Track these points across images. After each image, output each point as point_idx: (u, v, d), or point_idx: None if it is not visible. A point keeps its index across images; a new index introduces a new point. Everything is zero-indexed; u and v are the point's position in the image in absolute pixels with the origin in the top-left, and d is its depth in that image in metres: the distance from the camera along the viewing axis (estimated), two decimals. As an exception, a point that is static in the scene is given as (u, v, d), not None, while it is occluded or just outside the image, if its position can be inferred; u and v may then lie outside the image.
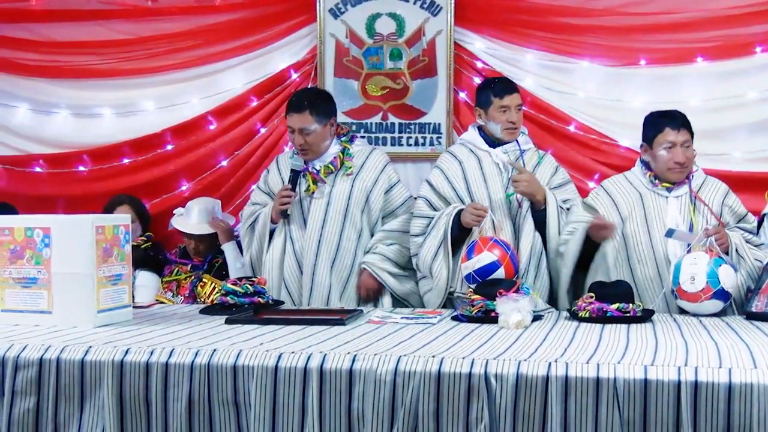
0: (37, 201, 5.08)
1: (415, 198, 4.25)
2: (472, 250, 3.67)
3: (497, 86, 4.10)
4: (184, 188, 5.11)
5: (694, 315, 3.43)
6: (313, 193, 4.11)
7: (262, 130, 5.04)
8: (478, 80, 4.83)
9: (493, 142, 4.12)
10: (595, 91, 4.79)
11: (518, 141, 4.13)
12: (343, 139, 4.22)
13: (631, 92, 4.75)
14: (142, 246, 4.73)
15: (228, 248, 4.56)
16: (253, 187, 4.51)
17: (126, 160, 5.16)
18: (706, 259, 3.45)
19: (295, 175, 4.10)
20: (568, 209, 4.02)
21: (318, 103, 4.11)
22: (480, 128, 4.18)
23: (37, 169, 5.23)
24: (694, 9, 4.68)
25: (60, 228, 3.21)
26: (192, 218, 4.62)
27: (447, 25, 4.84)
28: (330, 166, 4.14)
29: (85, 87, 5.20)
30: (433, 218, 4.01)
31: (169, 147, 5.13)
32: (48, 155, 5.23)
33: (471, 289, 3.44)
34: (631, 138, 4.61)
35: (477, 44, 4.87)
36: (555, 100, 4.77)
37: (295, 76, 5.01)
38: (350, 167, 4.15)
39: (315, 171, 4.12)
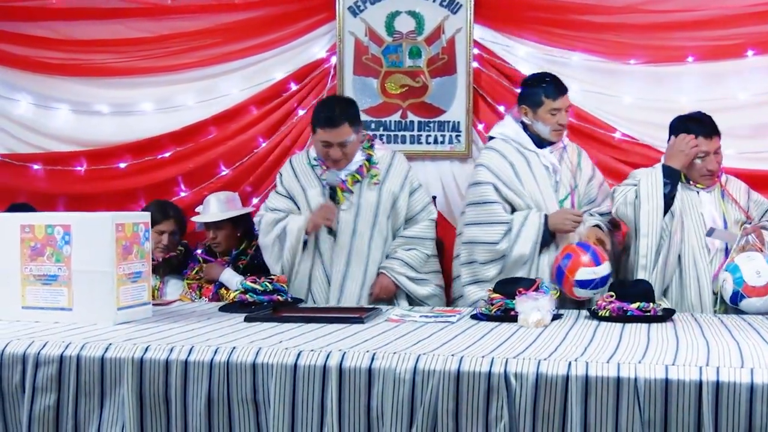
0: (77, 200, 5.12)
1: (474, 204, 4.06)
2: (596, 256, 3.65)
3: (550, 88, 4.01)
4: (223, 173, 5.13)
5: (759, 313, 3.44)
6: (340, 202, 4.05)
7: (300, 112, 5.04)
8: (497, 78, 4.83)
9: (540, 140, 4.05)
10: (610, 88, 4.75)
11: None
12: (365, 146, 4.16)
13: (632, 87, 4.74)
14: (180, 256, 4.74)
15: (225, 276, 4.53)
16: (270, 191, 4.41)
17: (166, 154, 5.17)
18: (760, 255, 3.53)
19: (333, 190, 4.04)
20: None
21: (351, 112, 4.04)
22: (524, 125, 4.09)
23: (78, 168, 5.25)
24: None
25: (80, 225, 3.23)
26: (209, 209, 4.61)
27: (466, 23, 4.83)
28: (356, 175, 4.07)
29: (118, 85, 5.22)
30: (509, 222, 3.92)
31: (210, 136, 5.17)
32: (87, 152, 5.26)
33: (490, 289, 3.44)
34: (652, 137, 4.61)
35: (496, 42, 4.85)
36: (578, 99, 4.74)
37: (313, 75, 5.01)
38: (376, 175, 4.10)
39: (342, 181, 4.05)
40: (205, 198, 4.70)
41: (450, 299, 4.22)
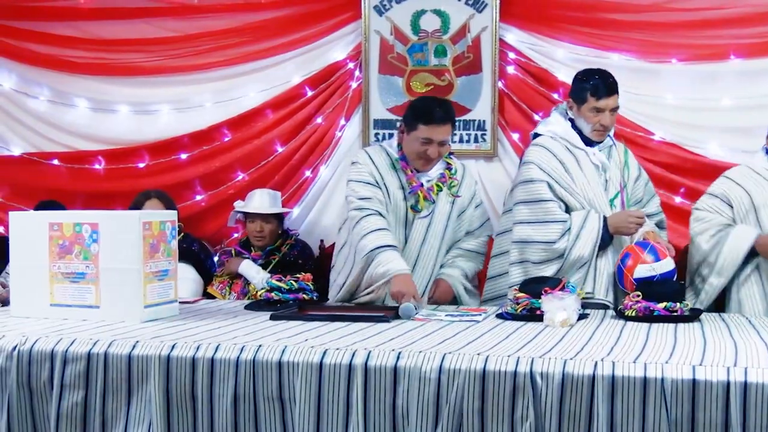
0: (96, 198, 5.15)
1: (526, 202, 3.92)
2: (655, 253, 3.60)
3: (596, 86, 3.86)
4: (239, 178, 5.13)
5: None
6: (420, 210, 3.97)
7: (318, 120, 5.05)
8: (523, 76, 4.82)
9: (586, 138, 3.95)
10: (647, 89, 4.72)
11: (610, 135, 4.01)
12: (446, 156, 4.06)
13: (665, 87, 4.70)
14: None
15: (243, 267, 4.57)
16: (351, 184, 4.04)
17: (183, 155, 5.19)
18: None
19: (415, 200, 3.96)
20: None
21: (453, 114, 3.96)
22: (572, 121, 3.98)
23: (96, 166, 5.28)
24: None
25: (108, 224, 3.26)
26: (255, 201, 4.65)
27: (492, 22, 4.81)
28: (439, 184, 4.00)
29: (138, 84, 5.24)
30: (566, 221, 3.82)
31: (226, 139, 5.17)
32: (106, 151, 5.28)
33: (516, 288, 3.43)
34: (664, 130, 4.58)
35: (522, 40, 4.84)
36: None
37: (339, 73, 5.02)
38: (455, 186, 4.03)
39: (427, 188, 3.96)
40: (248, 193, 4.76)
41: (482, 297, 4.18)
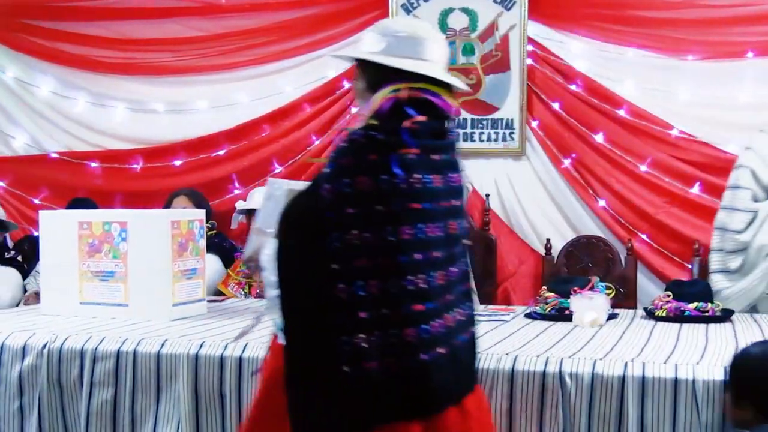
0: (133, 197, 5.17)
1: (729, 187, 3.96)
2: None
3: None
4: (276, 172, 5.11)
5: None
6: None
7: (353, 110, 4.99)
8: (551, 75, 4.78)
9: None
10: (668, 85, 4.66)
11: None
12: None
13: (690, 84, 4.63)
14: (208, 233, 4.76)
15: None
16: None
17: (221, 152, 5.20)
18: None
19: None
20: None
21: None
22: None
23: (134, 166, 5.31)
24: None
25: (136, 222, 3.27)
26: (257, 198, 4.63)
27: (521, 20, 4.78)
28: None
29: (171, 83, 5.27)
30: (755, 212, 3.81)
31: (263, 134, 5.17)
32: (143, 150, 5.31)
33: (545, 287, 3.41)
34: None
35: (551, 38, 4.81)
36: (634, 95, 4.67)
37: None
38: None
39: None
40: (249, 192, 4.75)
41: None
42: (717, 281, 3.85)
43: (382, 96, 2.06)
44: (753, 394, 2.23)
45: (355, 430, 1.97)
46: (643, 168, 4.62)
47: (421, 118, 2.03)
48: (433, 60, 2.15)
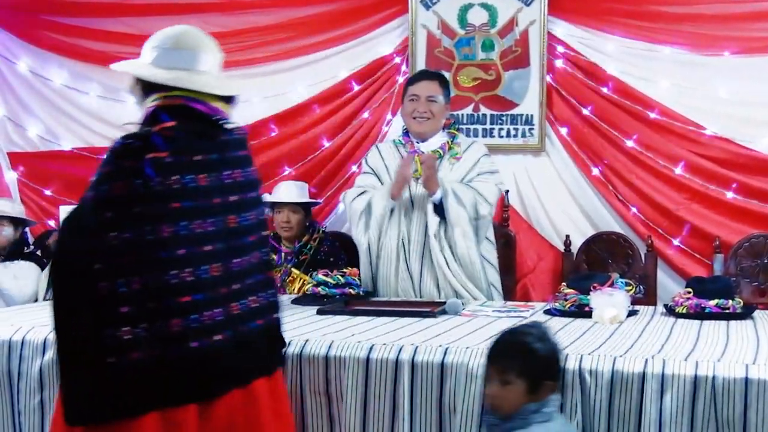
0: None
1: None
2: None
3: None
4: (286, 173, 5.13)
5: None
6: (419, 174, 3.90)
7: (365, 114, 5.06)
8: (571, 70, 4.77)
9: None
10: (699, 83, 4.65)
11: None
12: (452, 127, 4.13)
13: (717, 80, 4.61)
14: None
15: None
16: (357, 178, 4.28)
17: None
18: None
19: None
20: None
21: (444, 80, 4.16)
22: None
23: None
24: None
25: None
26: (282, 191, 4.65)
27: (540, 15, 4.77)
28: (439, 150, 3.98)
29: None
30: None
31: (273, 134, 5.18)
32: None
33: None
34: (717, 125, 4.55)
35: (571, 34, 4.79)
36: (663, 95, 4.65)
37: (386, 68, 5.01)
38: (458, 152, 4.01)
39: (423, 153, 3.94)
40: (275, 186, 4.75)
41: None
42: None
43: (146, 105, 2.38)
44: (521, 364, 2.26)
45: (125, 416, 2.11)
46: (678, 171, 4.61)
47: (170, 123, 2.25)
48: (197, 69, 2.43)
